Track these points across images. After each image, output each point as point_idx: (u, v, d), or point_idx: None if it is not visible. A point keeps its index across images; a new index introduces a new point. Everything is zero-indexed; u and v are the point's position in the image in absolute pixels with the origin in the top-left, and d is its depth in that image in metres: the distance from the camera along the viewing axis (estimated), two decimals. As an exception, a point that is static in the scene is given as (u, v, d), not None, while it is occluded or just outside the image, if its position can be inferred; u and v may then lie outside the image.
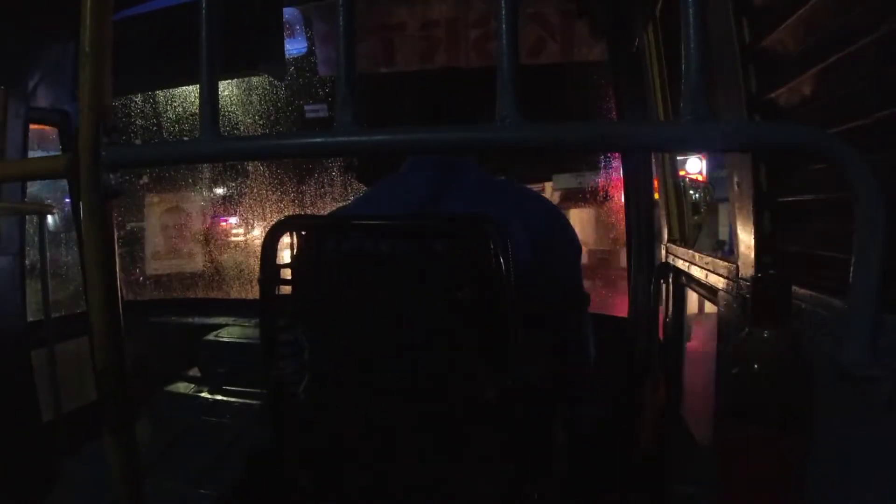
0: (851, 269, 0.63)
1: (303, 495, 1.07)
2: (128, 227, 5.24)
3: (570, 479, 1.25)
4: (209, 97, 0.73)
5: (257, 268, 1.03)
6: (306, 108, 3.74)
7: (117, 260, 0.84)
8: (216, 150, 0.74)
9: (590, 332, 1.29)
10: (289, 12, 2.83)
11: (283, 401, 1.06)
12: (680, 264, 1.99)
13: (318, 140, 0.67)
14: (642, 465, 1.97)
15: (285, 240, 1.07)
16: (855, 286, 0.63)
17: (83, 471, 2.13)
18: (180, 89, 4.13)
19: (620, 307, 2.65)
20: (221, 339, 2.66)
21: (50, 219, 2.64)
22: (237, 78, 3.95)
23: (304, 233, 1.04)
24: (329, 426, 1.06)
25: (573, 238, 1.29)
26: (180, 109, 4.69)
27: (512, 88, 0.61)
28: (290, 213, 1.23)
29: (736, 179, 1.23)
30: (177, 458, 2.09)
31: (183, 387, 2.56)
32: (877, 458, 0.70)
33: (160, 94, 4.62)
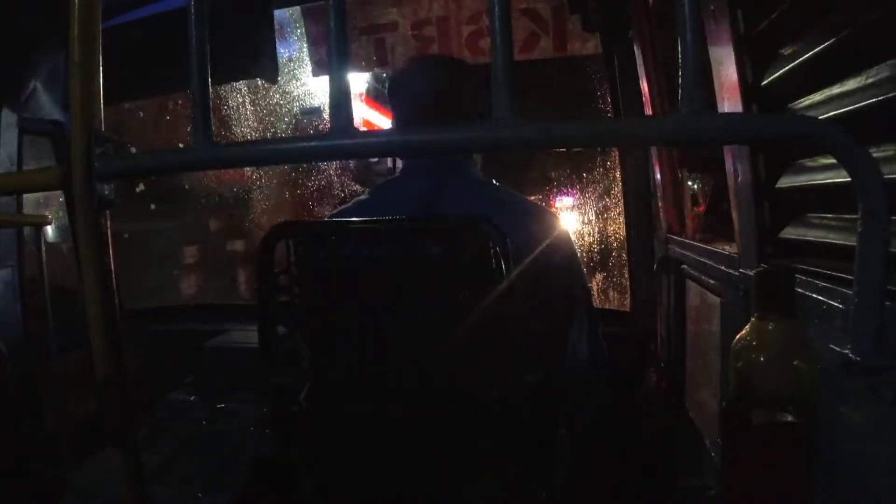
0: (856, 259, 0.62)
1: (307, 503, 1.07)
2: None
3: (575, 474, 1.25)
4: (201, 104, 0.73)
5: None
6: (301, 111, 3.74)
7: (113, 270, 0.83)
8: (210, 158, 0.73)
9: (595, 328, 1.29)
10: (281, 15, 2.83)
11: (284, 409, 1.05)
12: (680, 256, 1.98)
13: (313, 144, 0.66)
14: (646, 458, 1.96)
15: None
16: (860, 276, 0.62)
17: (88, 481, 2.13)
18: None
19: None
20: (222, 346, 2.64)
21: (49, 229, 2.62)
22: (230, 82, 3.94)
23: (300, 238, 1.03)
24: (331, 433, 1.06)
25: (569, 241, 1.29)
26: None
27: (507, 88, 0.60)
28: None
29: (735, 169, 1.23)
30: (180, 467, 2.08)
31: (185, 394, 2.55)
32: (884, 450, 0.69)
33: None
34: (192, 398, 2.50)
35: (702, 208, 2.18)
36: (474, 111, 1.30)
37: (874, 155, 0.58)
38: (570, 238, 1.30)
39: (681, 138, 0.60)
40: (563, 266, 1.27)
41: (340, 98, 0.64)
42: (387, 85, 1.37)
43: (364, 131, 0.65)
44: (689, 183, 2.23)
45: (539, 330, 1.12)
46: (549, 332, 1.18)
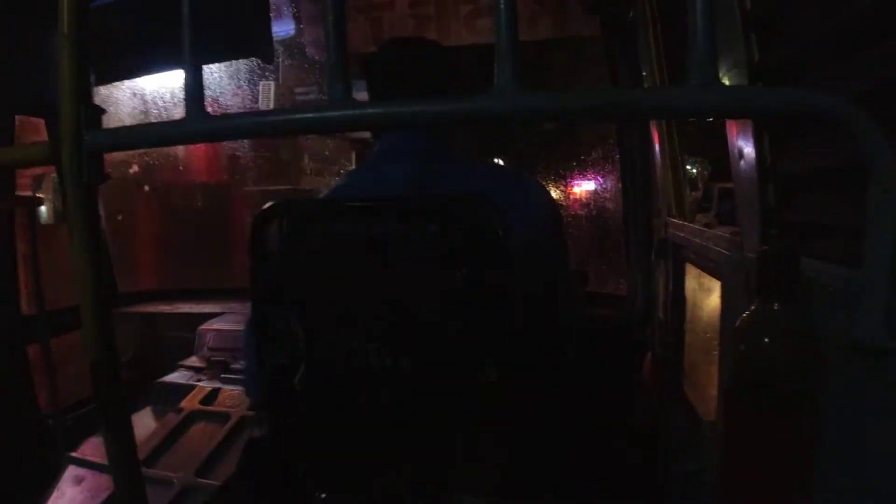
0: (865, 238, 0.61)
1: (303, 485, 1.06)
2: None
3: (570, 457, 1.24)
4: (193, 77, 0.71)
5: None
6: (295, 90, 3.71)
7: (106, 248, 0.82)
8: (203, 130, 0.71)
9: (584, 311, 1.29)
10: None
11: (280, 391, 1.03)
12: (680, 239, 1.97)
13: (309, 115, 0.64)
14: (643, 442, 1.96)
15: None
16: (869, 256, 0.61)
17: (84, 463, 2.12)
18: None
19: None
20: (219, 328, 2.64)
21: (43, 209, 2.59)
22: (226, 61, 3.89)
23: (294, 217, 1.01)
24: (326, 416, 1.04)
25: (557, 211, 1.29)
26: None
27: (511, 57, 0.58)
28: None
29: (738, 149, 1.21)
30: (176, 449, 2.07)
31: (181, 376, 2.54)
32: (891, 435, 0.68)
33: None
34: (187, 380, 2.49)
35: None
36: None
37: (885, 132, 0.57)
38: (557, 207, 1.29)
39: (689, 110, 0.58)
40: (557, 242, 1.26)
41: (338, 67, 0.62)
42: (366, 64, 1.34)
43: (362, 101, 0.63)
44: (688, 166, 2.21)
45: (536, 309, 1.11)
46: (544, 311, 1.17)
